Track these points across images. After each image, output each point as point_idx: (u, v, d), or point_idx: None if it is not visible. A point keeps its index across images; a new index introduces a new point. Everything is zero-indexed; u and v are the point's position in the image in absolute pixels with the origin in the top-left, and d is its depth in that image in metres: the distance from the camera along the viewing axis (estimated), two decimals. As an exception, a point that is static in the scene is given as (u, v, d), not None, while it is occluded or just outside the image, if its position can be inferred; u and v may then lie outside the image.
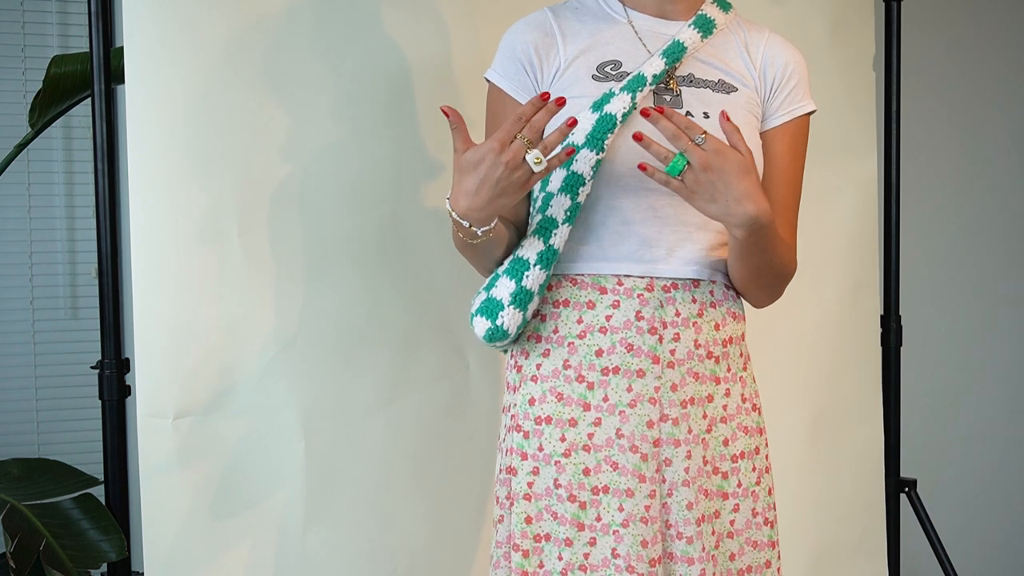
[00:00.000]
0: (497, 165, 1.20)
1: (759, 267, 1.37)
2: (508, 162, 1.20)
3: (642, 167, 1.23)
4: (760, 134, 1.43)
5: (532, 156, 1.21)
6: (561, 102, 1.22)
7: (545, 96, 1.22)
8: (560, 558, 1.36)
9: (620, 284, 1.36)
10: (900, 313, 2.38)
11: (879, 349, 2.37)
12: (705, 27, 1.41)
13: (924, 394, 3.00)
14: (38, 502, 1.78)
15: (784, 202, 1.43)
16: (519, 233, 1.43)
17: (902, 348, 2.39)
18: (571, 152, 1.24)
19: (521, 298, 1.35)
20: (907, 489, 2.39)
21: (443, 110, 1.24)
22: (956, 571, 2.36)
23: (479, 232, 1.28)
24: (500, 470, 1.44)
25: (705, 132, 1.21)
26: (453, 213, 1.27)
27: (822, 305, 2.26)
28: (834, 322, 2.29)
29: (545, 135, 1.26)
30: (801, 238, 1.50)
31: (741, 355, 1.45)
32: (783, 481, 2.06)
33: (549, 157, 1.22)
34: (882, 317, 2.38)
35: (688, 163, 1.21)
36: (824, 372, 2.28)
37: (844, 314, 2.30)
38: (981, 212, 3.11)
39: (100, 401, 1.75)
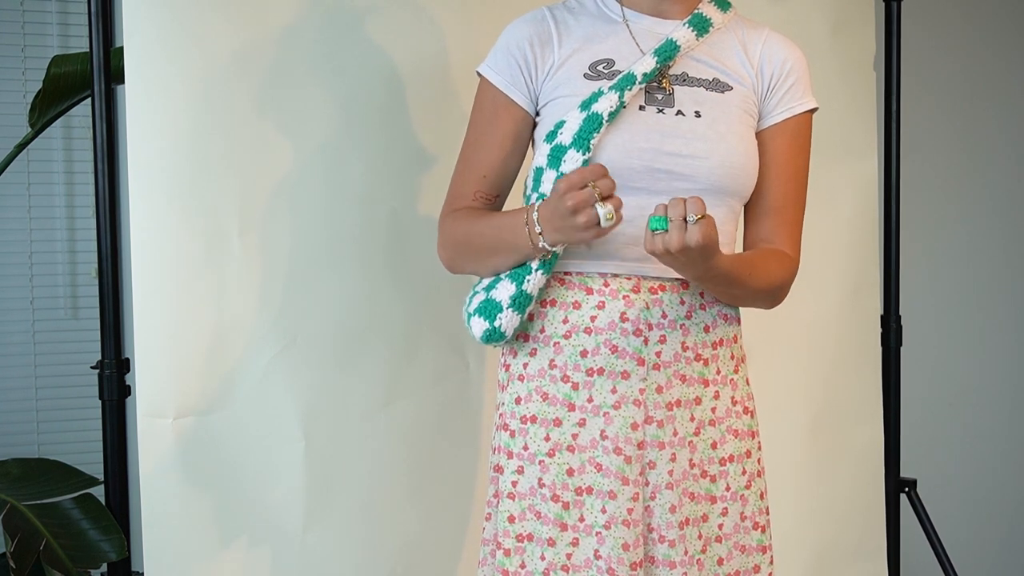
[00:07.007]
0: (562, 201, 1.21)
1: (737, 296, 1.38)
2: (573, 205, 1.20)
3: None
4: (758, 133, 1.43)
5: (605, 212, 1.19)
6: None
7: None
8: (543, 558, 1.35)
9: (607, 285, 1.35)
10: (900, 313, 2.37)
11: (879, 349, 2.37)
12: (701, 26, 1.40)
13: (924, 394, 2.99)
14: (38, 502, 1.78)
15: (782, 200, 1.42)
16: None
17: (902, 348, 2.39)
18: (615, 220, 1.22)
19: (520, 301, 1.35)
20: (907, 489, 2.38)
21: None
22: (956, 571, 2.35)
23: (549, 248, 1.29)
24: (491, 468, 1.45)
25: (704, 215, 1.16)
26: (536, 216, 1.28)
27: (822, 305, 2.26)
28: (834, 322, 2.29)
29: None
30: (802, 238, 1.49)
31: (732, 357, 1.43)
32: (782, 482, 2.06)
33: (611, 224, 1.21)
34: (882, 317, 2.38)
35: (665, 230, 1.17)
36: (824, 372, 2.28)
37: (844, 314, 2.30)
38: (981, 212, 3.10)
39: (100, 401, 1.75)
